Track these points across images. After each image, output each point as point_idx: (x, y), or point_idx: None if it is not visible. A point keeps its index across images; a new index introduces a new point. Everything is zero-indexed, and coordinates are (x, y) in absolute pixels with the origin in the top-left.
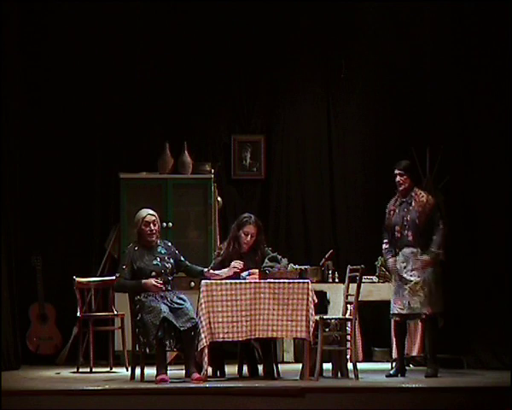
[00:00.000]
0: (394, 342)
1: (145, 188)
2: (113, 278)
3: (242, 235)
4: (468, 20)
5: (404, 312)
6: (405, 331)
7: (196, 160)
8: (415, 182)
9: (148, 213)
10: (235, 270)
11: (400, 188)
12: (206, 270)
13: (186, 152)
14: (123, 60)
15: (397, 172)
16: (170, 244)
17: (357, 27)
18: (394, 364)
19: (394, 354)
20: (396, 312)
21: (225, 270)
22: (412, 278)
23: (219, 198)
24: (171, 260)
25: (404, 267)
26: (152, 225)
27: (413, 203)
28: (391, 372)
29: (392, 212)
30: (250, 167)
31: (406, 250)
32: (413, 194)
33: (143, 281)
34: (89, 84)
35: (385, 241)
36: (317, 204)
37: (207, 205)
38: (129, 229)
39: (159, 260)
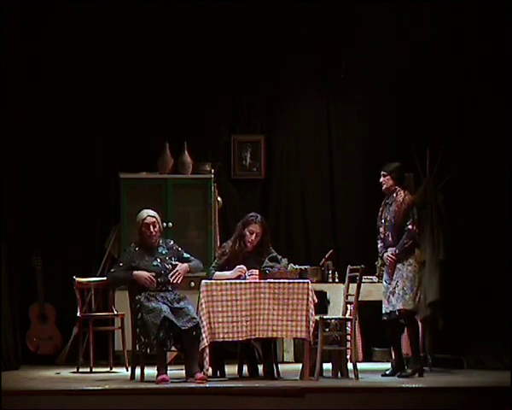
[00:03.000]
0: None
1: (145, 188)
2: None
3: (247, 233)
4: (468, 20)
5: (389, 310)
6: (397, 331)
7: (196, 160)
8: (399, 183)
9: (148, 215)
10: (239, 274)
11: (382, 188)
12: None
13: (186, 152)
14: (123, 60)
15: (381, 172)
16: (171, 243)
17: (357, 27)
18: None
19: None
20: (383, 311)
21: (228, 272)
22: (392, 276)
23: (219, 198)
24: (173, 260)
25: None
26: (152, 226)
27: (393, 204)
28: (387, 372)
29: (380, 213)
30: (250, 167)
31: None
32: (394, 194)
33: (134, 272)
34: (89, 85)
35: (378, 240)
36: (317, 204)
37: (207, 205)
38: (129, 229)
39: (159, 260)
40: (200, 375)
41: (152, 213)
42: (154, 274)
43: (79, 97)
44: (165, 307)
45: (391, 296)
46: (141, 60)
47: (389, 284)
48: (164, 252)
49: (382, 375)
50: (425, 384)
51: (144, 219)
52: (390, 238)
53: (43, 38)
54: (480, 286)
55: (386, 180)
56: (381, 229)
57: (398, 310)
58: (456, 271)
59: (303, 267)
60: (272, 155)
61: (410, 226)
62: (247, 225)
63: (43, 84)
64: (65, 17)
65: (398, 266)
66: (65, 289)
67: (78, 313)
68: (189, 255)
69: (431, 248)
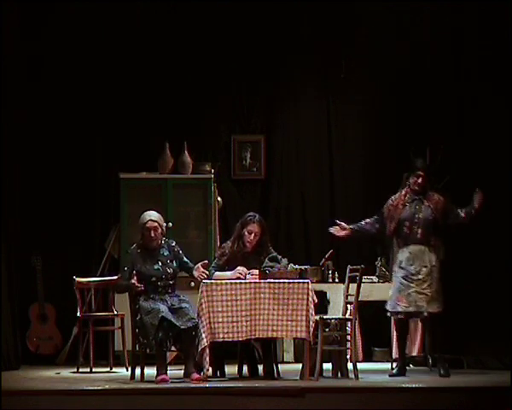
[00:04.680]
0: (396, 341)
1: (145, 188)
2: (114, 278)
3: (246, 233)
4: (468, 20)
5: (410, 309)
6: (408, 330)
7: (196, 160)
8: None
9: (150, 219)
10: (239, 275)
11: (419, 187)
12: (195, 267)
13: (186, 152)
14: (123, 60)
15: (421, 173)
16: (173, 244)
17: (357, 27)
18: (396, 363)
19: (394, 354)
20: (400, 310)
21: (229, 273)
22: (420, 276)
23: (219, 198)
24: (174, 264)
25: (411, 264)
26: (153, 231)
27: (426, 202)
28: (394, 372)
29: (400, 205)
30: (250, 167)
31: (414, 247)
32: (430, 194)
33: (131, 282)
34: (89, 85)
35: (370, 219)
36: (317, 204)
37: (207, 205)
38: (129, 229)
39: (160, 264)
40: (196, 375)
41: (154, 216)
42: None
43: (79, 97)
44: (163, 308)
45: (415, 295)
46: (141, 60)
47: (411, 282)
48: (166, 254)
49: (390, 375)
50: (425, 384)
51: (146, 223)
52: (419, 235)
53: (43, 38)
54: (480, 286)
55: (426, 180)
56: (407, 223)
57: (428, 312)
58: (457, 271)
59: (303, 267)
60: (272, 155)
61: (463, 214)
62: (245, 225)
63: (43, 84)
64: (65, 17)
65: (433, 268)
66: (65, 289)
67: (78, 313)
68: (187, 260)
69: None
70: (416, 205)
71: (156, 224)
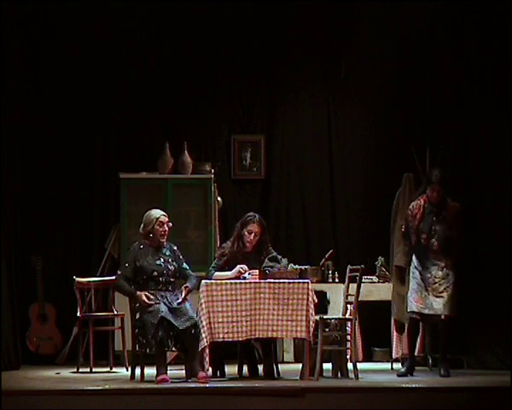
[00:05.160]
0: (406, 341)
1: (145, 188)
2: (113, 277)
3: (246, 233)
4: (468, 20)
5: (426, 312)
6: (419, 331)
7: (196, 160)
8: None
9: (161, 214)
10: (239, 274)
11: (435, 200)
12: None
13: (186, 152)
14: (123, 60)
15: (437, 187)
16: (175, 248)
17: (357, 28)
18: (405, 362)
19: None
20: (416, 310)
21: (229, 273)
22: (436, 279)
23: (219, 198)
24: (174, 264)
25: (427, 268)
26: (166, 225)
27: (444, 213)
28: (402, 371)
29: (418, 215)
30: (250, 167)
31: (431, 255)
32: (447, 203)
33: (138, 292)
34: (89, 84)
35: (407, 243)
36: (317, 204)
37: (207, 205)
38: (129, 229)
39: (162, 260)
40: (202, 374)
41: (163, 212)
42: (152, 297)
43: (79, 97)
44: (163, 307)
45: (432, 298)
46: (141, 60)
47: (428, 285)
48: (168, 253)
49: (398, 375)
50: (425, 384)
51: (159, 217)
52: (435, 247)
53: (43, 38)
54: (480, 286)
55: (441, 193)
56: (424, 235)
57: (445, 315)
58: (457, 271)
59: (303, 267)
60: (272, 155)
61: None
62: (245, 225)
63: (43, 83)
64: (65, 17)
65: (449, 272)
66: (65, 289)
67: (78, 313)
68: (187, 267)
69: None
70: (433, 216)
71: (167, 219)
